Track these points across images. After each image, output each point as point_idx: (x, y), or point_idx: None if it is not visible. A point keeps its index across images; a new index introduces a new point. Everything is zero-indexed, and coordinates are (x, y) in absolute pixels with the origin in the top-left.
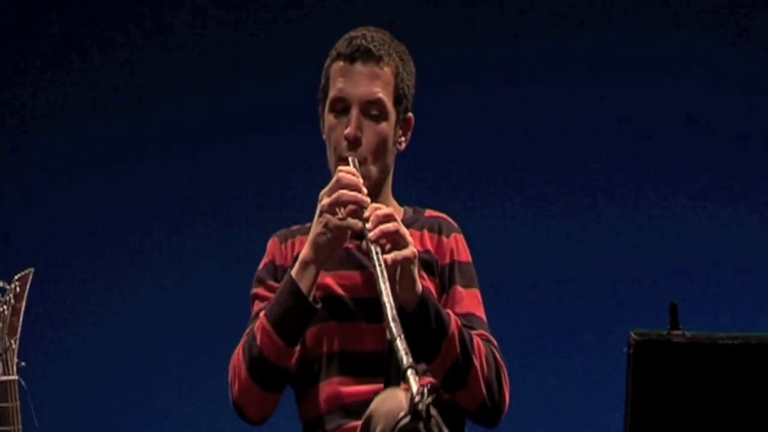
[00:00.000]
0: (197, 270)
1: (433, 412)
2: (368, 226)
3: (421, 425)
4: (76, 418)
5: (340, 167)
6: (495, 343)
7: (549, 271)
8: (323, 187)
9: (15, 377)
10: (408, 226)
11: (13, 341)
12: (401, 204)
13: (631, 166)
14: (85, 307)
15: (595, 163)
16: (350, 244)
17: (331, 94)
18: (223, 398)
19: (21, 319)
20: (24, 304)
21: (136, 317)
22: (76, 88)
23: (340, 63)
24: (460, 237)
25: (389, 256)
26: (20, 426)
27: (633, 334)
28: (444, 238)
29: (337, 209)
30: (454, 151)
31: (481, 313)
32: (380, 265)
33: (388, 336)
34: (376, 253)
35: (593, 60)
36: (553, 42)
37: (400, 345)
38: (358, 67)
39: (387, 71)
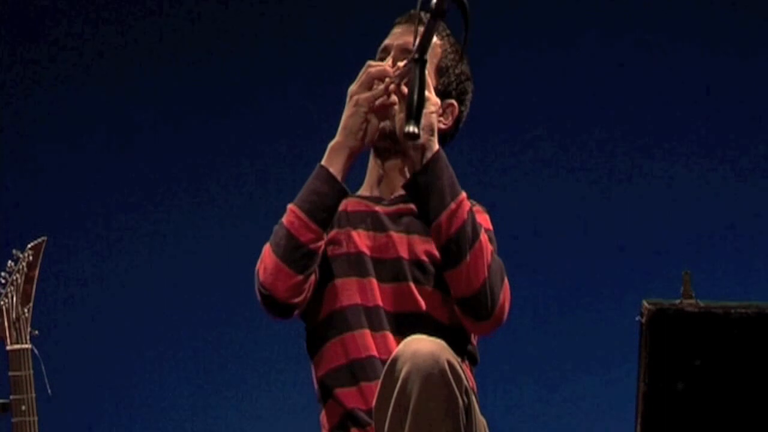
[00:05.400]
0: (213, 237)
1: None
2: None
3: None
4: (89, 387)
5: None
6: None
7: (560, 239)
8: None
9: (28, 346)
10: None
11: (26, 310)
12: None
13: (643, 132)
14: (98, 275)
15: (605, 129)
16: (377, 208)
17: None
18: (239, 369)
19: (34, 287)
20: (37, 272)
21: (149, 286)
22: (86, 57)
23: (395, 28)
24: (487, 215)
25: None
26: (33, 394)
27: (646, 303)
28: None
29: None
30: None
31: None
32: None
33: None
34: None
35: (602, 25)
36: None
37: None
38: (406, 26)
39: (433, 40)
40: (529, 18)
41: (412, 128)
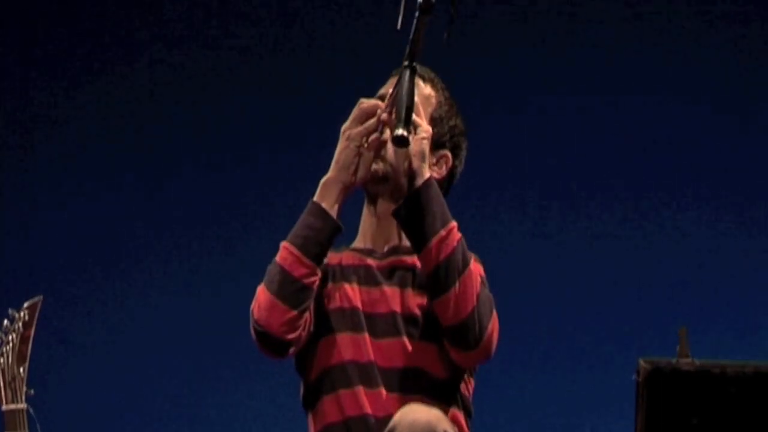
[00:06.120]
0: (207, 298)
1: None
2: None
3: None
4: None
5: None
6: None
7: (557, 296)
8: None
9: (23, 406)
10: None
11: (21, 369)
12: None
13: (640, 187)
14: (93, 335)
15: (603, 187)
16: (371, 262)
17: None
18: (239, 426)
19: (30, 347)
20: (33, 332)
21: (145, 345)
22: (83, 113)
23: (391, 78)
24: (480, 265)
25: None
26: None
27: (642, 362)
28: None
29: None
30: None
31: None
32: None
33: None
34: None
35: (603, 74)
36: (562, 54)
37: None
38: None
39: (428, 90)
40: (532, 72)
41: (401, 131)
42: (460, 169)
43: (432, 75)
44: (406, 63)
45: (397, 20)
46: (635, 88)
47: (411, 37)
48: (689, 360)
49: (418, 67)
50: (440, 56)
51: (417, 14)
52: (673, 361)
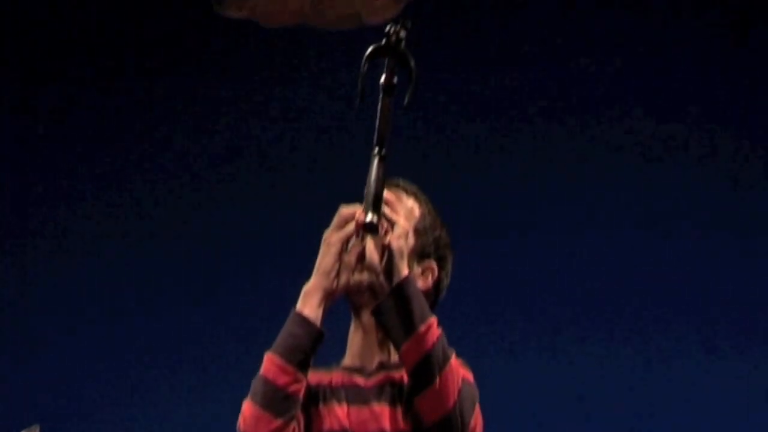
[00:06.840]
0: (205, 424)
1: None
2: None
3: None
4: None
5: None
6: None
7: (551, 419)
8: None
9: None
10: None
11: None
12: None
13: (637, 298)
14: None
15: (600, 295)
16: (360, 381)
17: None
18: None
19: None
20: None
21: None
22: (81, 238)
23: None
24: (467, 370)
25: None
26: None
27: None
28: None
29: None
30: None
31: None
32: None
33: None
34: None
35: (601, 177)
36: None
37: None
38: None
39: (410, 202)
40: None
41: (369, 217)
42: (446, 282)
43: (414, 188)
44: (375, 151)
45: (374, 116)
46: (635, 219)
47: (377, 121)
48: None
49: (401, 181)
50: (430, 176)
51: (380, 96)
52: None
